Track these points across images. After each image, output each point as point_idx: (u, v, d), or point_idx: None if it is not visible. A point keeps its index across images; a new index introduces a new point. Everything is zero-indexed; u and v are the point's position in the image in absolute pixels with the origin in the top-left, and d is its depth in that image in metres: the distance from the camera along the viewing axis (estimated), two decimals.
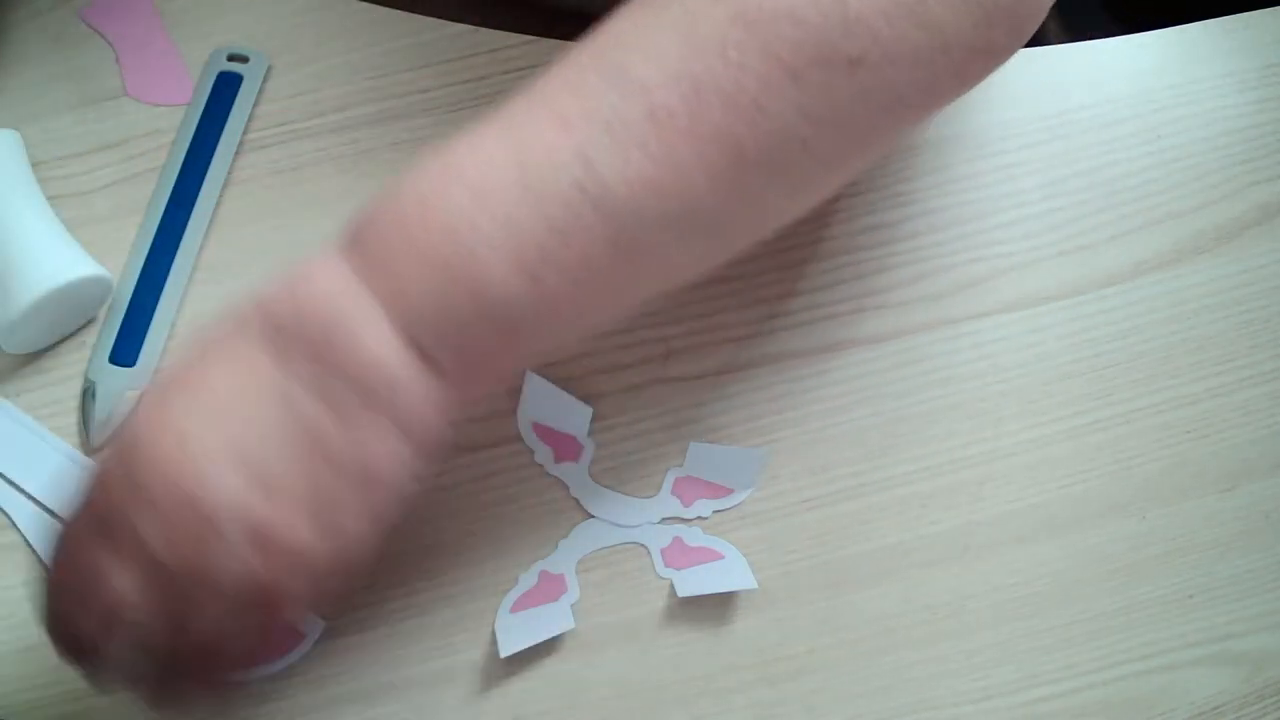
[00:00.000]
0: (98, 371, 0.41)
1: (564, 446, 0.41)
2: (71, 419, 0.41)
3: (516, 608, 0.39)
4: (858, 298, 0.43)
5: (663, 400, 0.41)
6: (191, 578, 0.28)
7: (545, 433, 0.41)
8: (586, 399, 0.41)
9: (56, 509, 0.40)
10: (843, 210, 0.44)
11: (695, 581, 0.39)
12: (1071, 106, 0.46)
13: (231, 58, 0.46)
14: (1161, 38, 0.47)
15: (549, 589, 0.39)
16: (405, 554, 0.39)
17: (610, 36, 0.30)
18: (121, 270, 0.43)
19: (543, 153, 0.29)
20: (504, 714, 0.38)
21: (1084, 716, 0.38)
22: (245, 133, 0.45)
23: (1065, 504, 0.40)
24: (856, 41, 0.28)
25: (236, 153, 0.45)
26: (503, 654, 0.37)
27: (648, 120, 0.28)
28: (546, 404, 0.41)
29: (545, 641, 0.38)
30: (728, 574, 0.39)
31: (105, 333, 0.42)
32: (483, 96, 0.46)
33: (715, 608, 0.39)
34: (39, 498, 0.40)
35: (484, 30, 0.46)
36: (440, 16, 0.46)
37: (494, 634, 0.38)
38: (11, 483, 0.40)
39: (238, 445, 0.28)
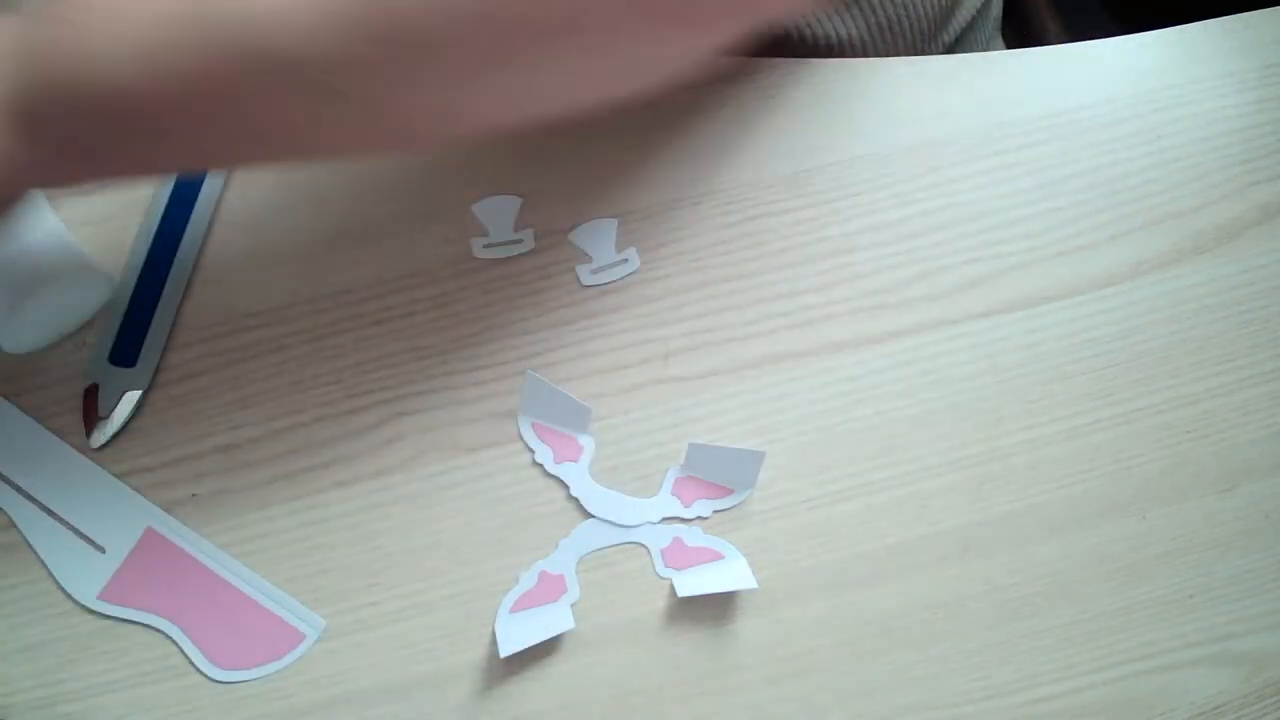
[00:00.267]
0: (98, 371, 0.41)
1: (564, 446, 0.41)
2: (72, 419, 0.41)
3: (516, 608, 0.39)
4: (858, 298, 0.43)
5: (663, 400, 0.41)
6: None
7: (545, 433, 0.41)
8: (586, 399, 0.41)
9: (56, 509, 0.40)
10: (843, 210, 0.44)
11: (695, 581, 0.39)
12: (1071, 106, 0.46)
13: None
14: (1161, 38, 0.47)
15: (549, 589, 0.39)
16: (405, 554, 0.39)
17: None
18: (121, 270, 0.43)
19: None
20: (504, 714, 0.38)
21: (1084, 716, 0.38)
22: None
23: (1065, 504, 0.40)
24: None
25: None
26: (503, 654, 0.37)
27: None
28: (546, 404, 0.41)
29: (545, 641, 0.38)
30: (728, 574, 0.39)
31: (105, 333, 0.42)
32: None
33: (715, 608, 0.39)
34: (39, 498, 0.40)
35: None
36: None
37: (494, 634, 0.38)
38: (11, 483, 0.40)
39: None
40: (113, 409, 0.41)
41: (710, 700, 0.38)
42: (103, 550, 0.39)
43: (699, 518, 0.40)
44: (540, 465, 0.40)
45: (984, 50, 0.58)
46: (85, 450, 0.41)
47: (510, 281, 0.43)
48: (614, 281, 0.43)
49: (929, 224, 0.44)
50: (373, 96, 0.31)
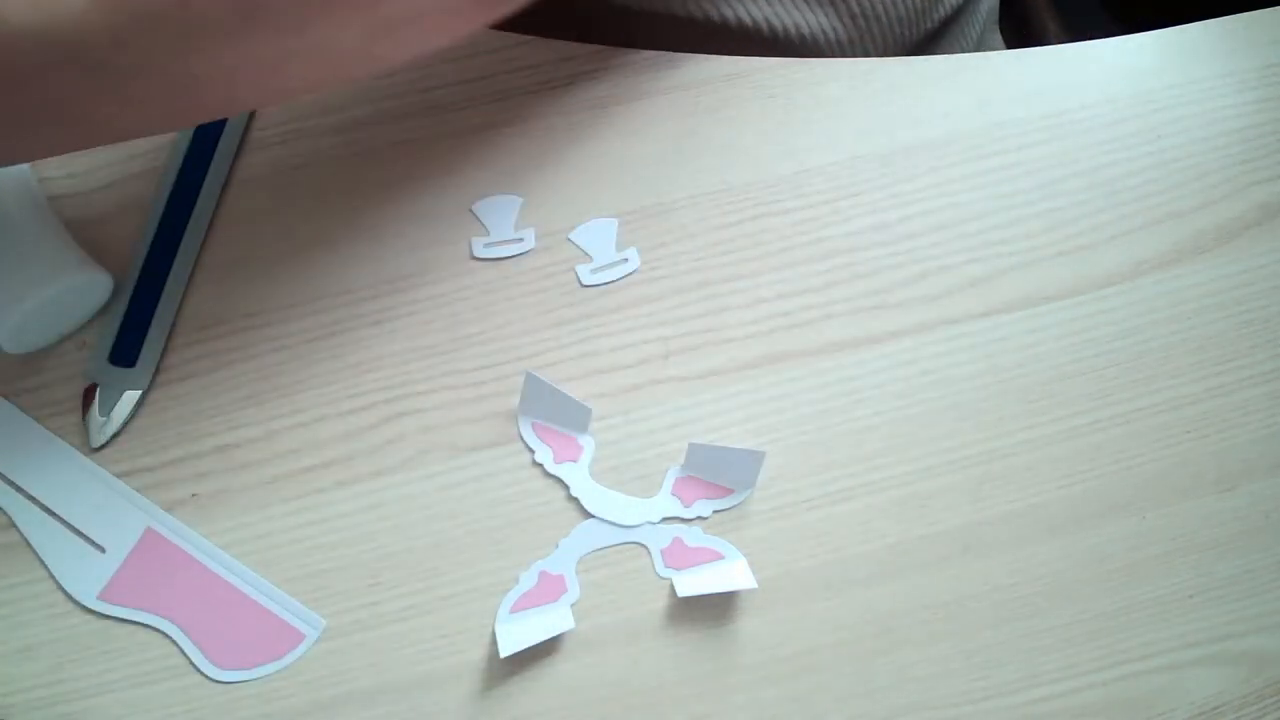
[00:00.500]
0: (98, 371, 0.41)
1: (564, 446, 0.41)
2: (72, 419, 0.41)
3: (516, 608, 0.39)
4: (858, 298, 0.43)
5: (663, 400, 0.41)
6: None
7: (545, 433, 0.41)
8: (586, 399, 0.41)
9: (56, 509, 0.40)
10: (843, 210, 0.44)
11: (695, 581, 0.39)
12: (1071, 106, 0.46)
13: None
14: (1161, 38, 0.47)
15: (549, 589, 0.39)
16: (405, 554, 0.39)
17: None
18: (121, 270, 0.43)
19: None
20: (504, 714, 0.38)
21: (1084, 716, 0.38)
22: (246, 132, 0.45)
23: (1065, 504, 0.40)
24: None
25: (237, 152, 0.45)
26: (503, 654, 0.37)
27: None
28: (546, 404, 0.41)
29: (545, 641, 0.38)
30: (728, 574, 0.39)
31: (105, 333, 0.42)
32: (483, 96, 0.46)
33: (715, 608, 0.39)
34: (39, 498, 0.40)
35: (484, 30, 0.46)
36: None
37: (494, 634, 0.38)
38: (11, 483, 0.40)
39: None
40: (113, 409, 0.41)
41: (710, 700, 0.38)
42: (103, 550, 0.39)
43: (699, 518, 0.40)
44: (540, 465, 0.40)
45: (975, 44, 0.58)
46: (85, 450, 0.41)
47: (510, 281, 0.43)
48: (614, 281, 0.43)
49: (929, 224, 0.44)
50: (158, 68, 0.32)
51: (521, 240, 0.44)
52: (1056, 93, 0.46)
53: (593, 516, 0.40)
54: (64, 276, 0.40)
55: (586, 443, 0.41)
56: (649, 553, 0.40)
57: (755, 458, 0.40)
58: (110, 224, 0.44)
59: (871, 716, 0.38)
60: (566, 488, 0.40)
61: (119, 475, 0.40)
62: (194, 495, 0.40)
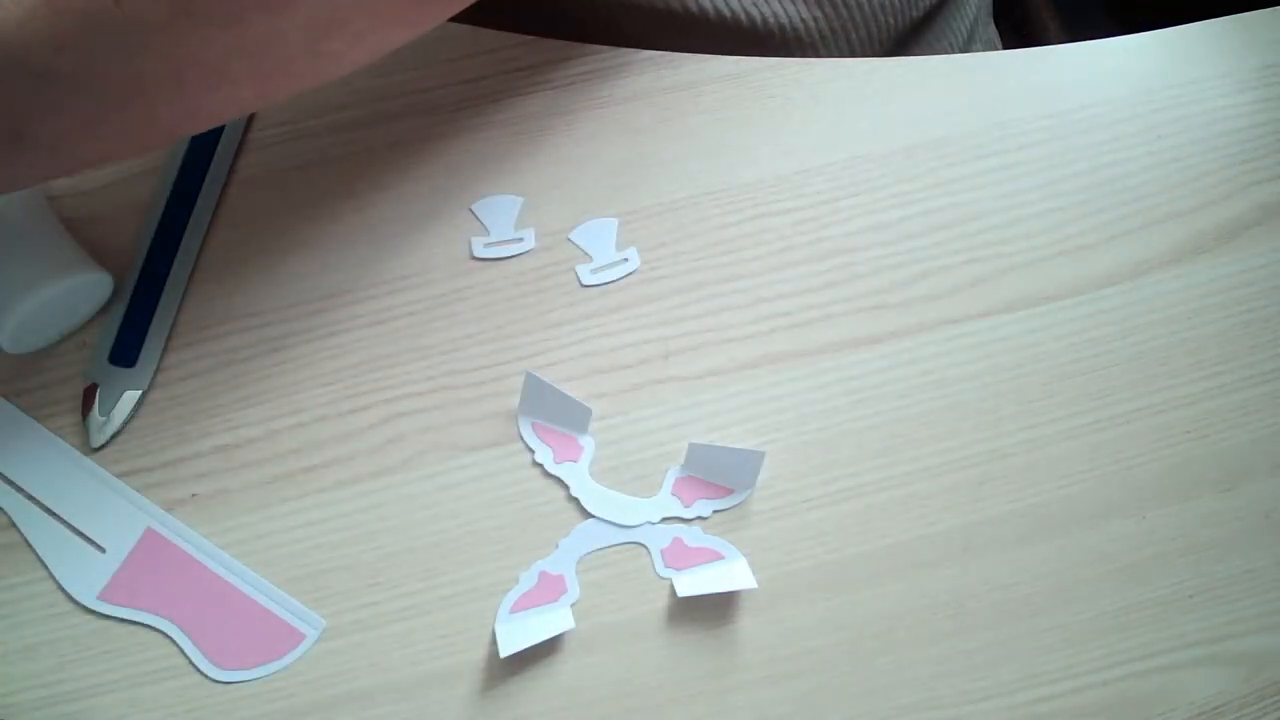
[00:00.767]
0: (98, 371, 0.41)
1: (564, 446, 0.41)
2: (72, 419, 0.41)
3: (516, 608, 0.39)
4: (858, 298, 0.43)
5: (663, 400, 0.41)
6: None
7: (545, 433, 0.41)
8: (586, 399, 0.41)
9: (56, 509, 0.40)
10: (843, 210, 0.44)
11: (695, 581, 0.39)
12: (1071, 106, 0.46)
13: None
14: (1161, 38, 0.47)
15: (549, 589, 0.39)
16: (405, 554, 0.39)
17: None
18: (121, 270, 0.43)
19: None
20: (504, 714, 0.38)
21: (1084, 716, 0.38)
22: (246, 132, 0.45)
23: (1065, 504, 0.40)
24: None
25: (237, 152, 0.45)
26: (503, 654, 0.37)
27: None
28: (546, 404, 0.41)
29: (545, 641, 0.38)
30: (728, 574, 0.39)
31: (105, 333, 0.42)
32: (483, 96, 0.46)
33: (715, 608, 0.39)
34: (39, 498, 0.40)
35: (484, 30, 0.47)
36: None
37: (494, 634, 0.38)
38: (11, 483, 0.40)
39: None
40: (113, 409, 0.41)
41: (710, 700, 0.38)
42: (103, 550, 0.39)
43: (699, 518, 0.40)
44: (540, 465, 0.40)
45: (967, 37, 0.58)
46: (85, 450, 0.41)
47: (510, 281, 0.43)
48: (614, 281, 0.43)
49: (929, 224, 0.44)
50: (101, 73, 0.32)
51: (521, 240, 0.44)
52: (1056, 93, 0.46)
53: (593, 516, 0.40)
54: (64, 276, 0.40)
55: (586, 443, 0.41)
56: (649, 553, 0.40)
57: (755, 458, 0.40)
58: (110, 224, 0.44)
59: (871, 716, 0.38)
60: (566, 488, 0.40)
61: (119, 475, 0.40)
62: (194, 495, 0.40)
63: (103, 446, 0.41)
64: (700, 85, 0.46)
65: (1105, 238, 0.44)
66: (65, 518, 0.40)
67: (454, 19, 0.46)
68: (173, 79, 0.33)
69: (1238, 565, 0.40)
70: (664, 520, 0.40)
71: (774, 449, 0.41)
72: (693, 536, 0.40)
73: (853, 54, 0.52)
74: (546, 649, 0.38)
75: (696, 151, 0.45)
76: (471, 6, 0.38)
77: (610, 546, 0.40)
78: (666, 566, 0.39)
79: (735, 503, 0.40)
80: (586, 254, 0.43)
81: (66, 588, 0.39)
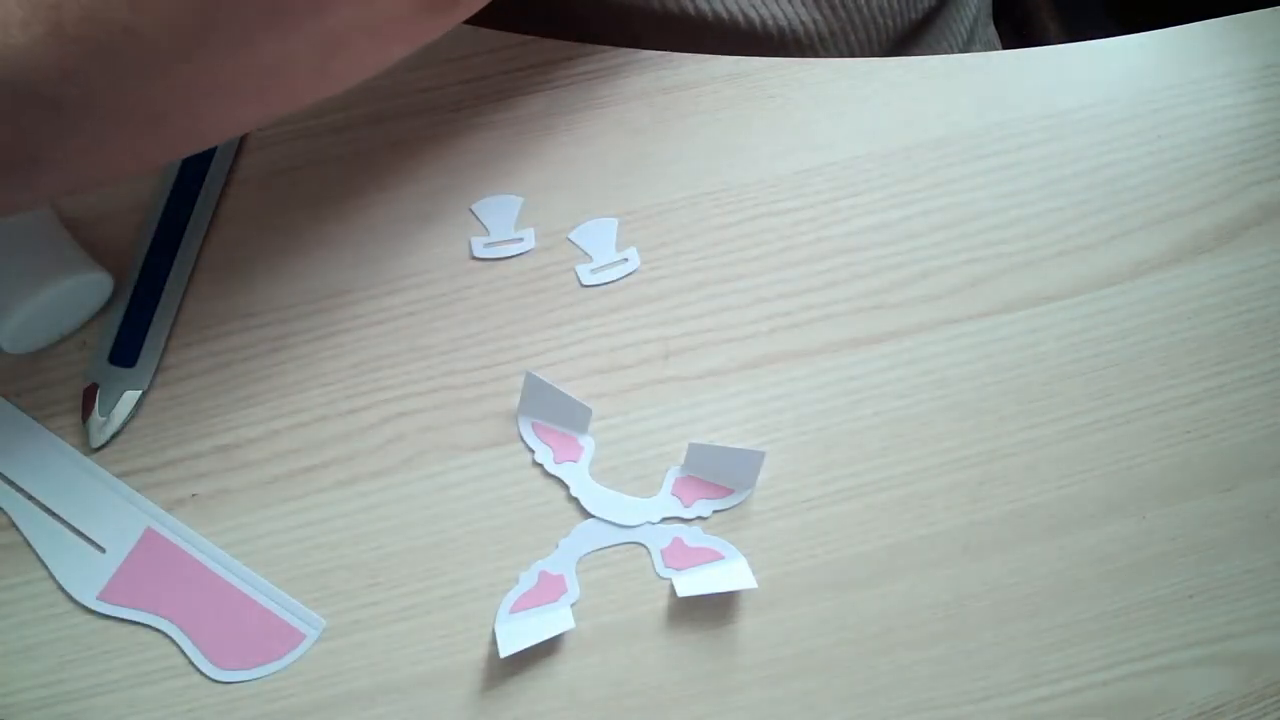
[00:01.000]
0: (98, 371, 0.41)
1: (564, 446, 0.41)
2: (72, 419, 0.41)
3: (516, 608, 0.39)
4: (858, 298, 0.43)
5: (663, 400, 0.41)
6: None
7: (545, 433, 0.41)
8: (586, 399, 0.41)
9: (56, 509, 0.40)
10: (843, 210, 0.44)
11: (695, 581, 0.39)
12: (1071, 106, 0.46)
13: None
14: (1161, 38, 0.47)
15: (549, 589, 0.39)
16: (405, 554, 0.39)
17: None
18: (121, 270, 0.43)
19: None
20: (504, 714, 0.38)
21: (1084, 716, 0.38)
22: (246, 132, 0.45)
23: (1065, 504, 0.40)
24: None
25: (236, 153, 0.45)
26: (503, 654, 0.37)
27: None
28: (546, 404, 0.41)
29: (545, 641, 0.38)
30: (728, 574, 0.39)
31: (105, 333, 0.42)
32: (483, 96, 0.46)
33: (715, 608, 0.39)
34: (39, 498, 0.40)
35: (484, 30, 0.47)
36: None
37: (494, 634, 0.38)
38: (11, 483, 0.40)
39: None
40: (113, 409, 0.41)
41: (710, 700, 0.38)
42: (103, 550, 0.39)
43: (699, 518, 0.40)
44: (540, 465, 0.40)
45: (966, 38, 0.58)
46: (85, 450, 0.41)
47: (510, 281, 0.43)
48: (614, 281, 0.43)
49: (929, 224, 0.44)
50: (112, 99, 0.32)
51: (521, 240, 0.44)
52: (1056, 93, 0.46)
53: (593, 516, 0.40)
54: (64, 276, 0.40)
55: (586, 443, 0.41)
56: (649, 553, 0.40)
57: (755, 458, 0.40)
58: (110, 224, 0.44)
59: (871, 716, 0.38)
60: (566, 488, 0.40)
61: (119, 475, 0.40)
62: (194, 495, 0.40)
63: (103, 446, 0.41)
64: (700, 85, 0.46)
65: (1105, 238, 0.44)
66: (65, 518, 0.40)
67: None
68: (182, 102, 0.33)
69: (1238, 565, 0.40)
70: (664, 520, 0.40)
71: (774, 449, 0.41)
72: (693, 536, 0.40)
73: (852, 55, 0.52)
74: (546, 649, 0.38)
75: (696, 151, 0.45)
76: None
77: (610, 546, 0.40)
78: (666, 566, 0.39)
79: (735, 503, 0.40)
80: (586, 254, 0.43)
81: (66, 588, 0.39)
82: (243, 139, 0.45)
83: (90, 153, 0.34)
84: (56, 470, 0.40)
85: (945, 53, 0.57)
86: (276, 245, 0.44)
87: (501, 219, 0.44)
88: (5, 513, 0.40)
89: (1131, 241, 0.44)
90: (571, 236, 0.44)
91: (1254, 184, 0.44)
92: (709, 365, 0.42)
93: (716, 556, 0.40)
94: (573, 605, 0.39)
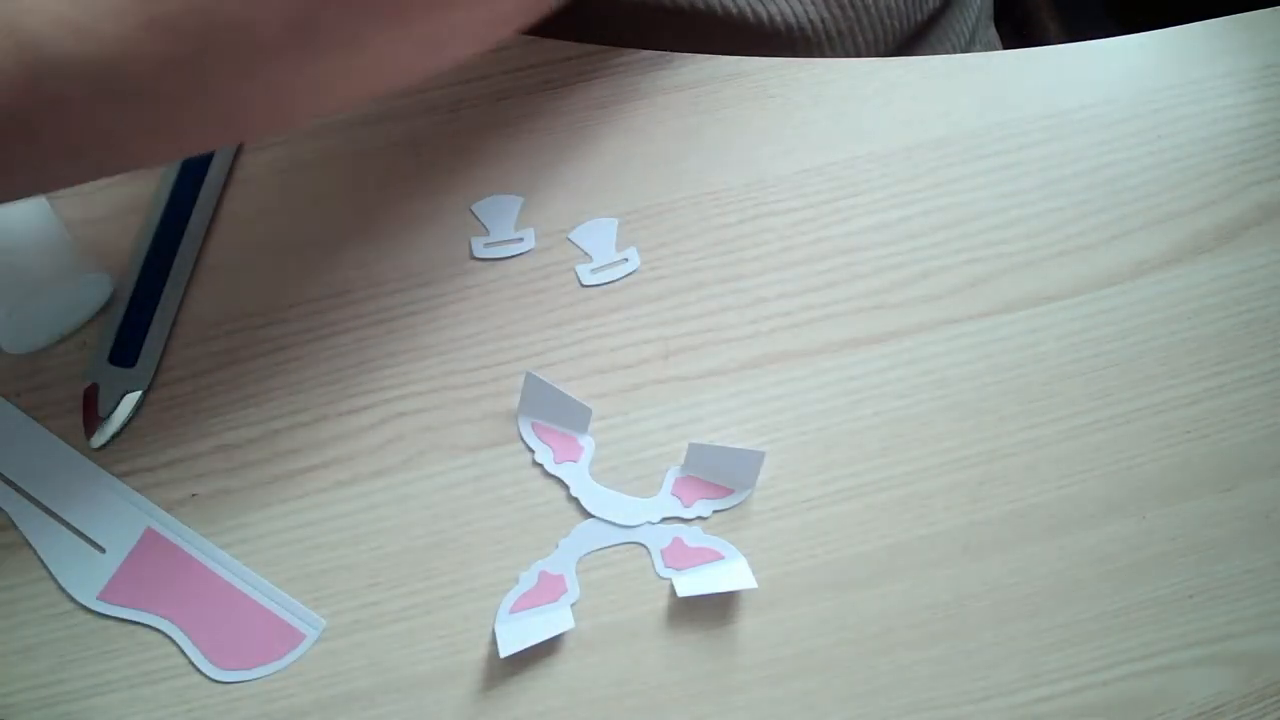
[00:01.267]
0: (98, 371, 0.41)
1: (564, 446, 0.41)
2: (72, 419, 0.41)
3: (516, 608, 0.39)
4: (858, 298, 0.43)
5: (663, 400, 0.41)
6: None
7: (545, 433, 0.41)
8: (586, 399, 0.41)
9: (56, 509, 0.40)
10: (843, 210, 0.44)
11: (695, 581, 0.39)
12: (1071, 106, 0.46)
13: None
14: (1161, 38, 0.47)
15: (549, 589, 0.39)
16: (405, 554, 0.39)
17: None
18: (121, 270, 0.43)
19: None
20: (504, 714, 0.38)
21: (1084, 716, 0.38)
22: None
23: (1065, 504, 0.40)
24: None
25: (236, 153, 0.45)
26: (503, 654, 0.37)
27: None
28: (546, 404, 0.41)
29: (545, 641, 0.38)
30: (728, 574, 0.39)
31: (105, 333, 0.42)
32: (483, 96, 0.46)
33: (715, 608, 0.39)
34: (39, 498, 0.40)
35: None
36: None
37: (494, 634, 0.38)
38: (11, 483, 0.40)
39: None
40: (113, 409, 0.41)
41: (710, 700, 0.38)
42: (103, 550, 0.39)
43: (699, 518, 0.40)
44: (540, 465, 0.40)
45: (969, 38, 0.58)
46: (85, 450, 0.41)
47: (510, 281, 0.43)
48: (614, 281, 0.43)
49: (929, 224, 0.44)
50: (212, 93, 0.31)
51: (521, 240, 0.44)
52: (1056, 93, 0.46)
53: (593, 516, 0.40)
54: (64, 276, 0.40)
55: (586, 443, 0.41)
56: (649, 553, 0.40)
57: (755, 458, 0.40)
58: (110, 224, 0.44)
59: (871, 716, 0.38)
60: (566, 488, 0.40)
61: (119, 475, 0.40)
62: (194, 495, 0.40)
63: (103, 447, 0.41)
64: (700, 85, 0.46)
65: (1105, 238, 0.44)
66: (65, 518, 0.40)
67: None
68: (275, 98, 0.33)
69: (1238, 565, 0.40)
70: (664, 520, 0.40)
71: (774, 449, 0.41)
72: (693, 536, 0.40)
73: (859, 54, 0.52)
74: (546, 649, 0.38)
75: (696, 151, 0.45)
76: None
77: (610, 546, 0.40)
78: (666, 566, 0.39)
79: (735, 503, 0.40)
80: (586, 254, 0.43)
81: (66, 588, 0.39)
82: None
83: (162, 141, 0.33)
84: (56, 470, 0.40)
85: (948, 53, 0.57)
86: (276, 245, 0.44)
87: (501, 219, 0.44)
88: (5, 513, 0.40)
89: (1131, 241, 0.44)
90: (571, 236, 0.44)
91: (1254, 184, 0.44)
92: (709, 365, 0.42)
93: (716, 556, 0.40)
94: (573, 605, 0.39)
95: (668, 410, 0.41)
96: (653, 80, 0.46)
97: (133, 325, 0.42)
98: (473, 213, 0.44)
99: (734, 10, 0.48)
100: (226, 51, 0.30)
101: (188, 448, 0.41)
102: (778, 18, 0.48)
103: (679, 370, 0.42)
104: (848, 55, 0.52)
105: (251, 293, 0.43)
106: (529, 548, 0.40)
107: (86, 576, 0.39)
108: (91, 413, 0.41)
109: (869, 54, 0.53)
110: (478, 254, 0.43)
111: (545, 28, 0.46)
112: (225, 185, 0.44)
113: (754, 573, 0.39)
